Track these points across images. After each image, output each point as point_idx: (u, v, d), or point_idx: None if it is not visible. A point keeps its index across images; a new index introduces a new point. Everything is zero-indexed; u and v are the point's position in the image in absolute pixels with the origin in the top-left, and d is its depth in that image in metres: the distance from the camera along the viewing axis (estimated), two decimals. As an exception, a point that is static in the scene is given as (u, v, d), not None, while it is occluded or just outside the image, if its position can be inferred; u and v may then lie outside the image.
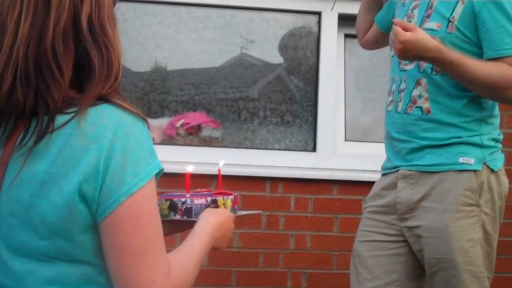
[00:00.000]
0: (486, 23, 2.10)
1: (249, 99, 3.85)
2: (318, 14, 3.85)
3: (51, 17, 1.24)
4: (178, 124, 3.71)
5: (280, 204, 3.54)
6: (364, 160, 3.59)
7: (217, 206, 1.64)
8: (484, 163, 2.16)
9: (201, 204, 1.60)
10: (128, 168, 1.21)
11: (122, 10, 3.72)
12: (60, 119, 1.23)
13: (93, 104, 1.25)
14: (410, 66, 2.25)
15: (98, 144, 1.20)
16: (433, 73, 2.19)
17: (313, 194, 3.60)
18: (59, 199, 1.21)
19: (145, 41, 3.83)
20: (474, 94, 2.17)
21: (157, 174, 1.27)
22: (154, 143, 1.31)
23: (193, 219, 1.56)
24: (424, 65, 2.19)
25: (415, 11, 2.27)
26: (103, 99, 1.27)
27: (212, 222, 1.52)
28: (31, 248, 1.26)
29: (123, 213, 1.21)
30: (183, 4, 3.81)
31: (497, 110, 2.28)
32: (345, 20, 3.73)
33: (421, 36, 2.07)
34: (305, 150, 3.80)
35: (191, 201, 1.60)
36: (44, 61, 1.23)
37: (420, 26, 2.20)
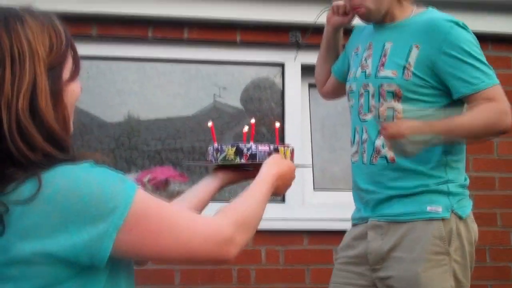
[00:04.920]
0: (449, 66, 2.14)
1: (216, 152, 3.84)
2: (282, 65, 3.90)
3: None
4: (145, 179, 3.67)
5: (250, 257, 3.49)
6: (334, 209, 3.59)
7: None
8: (452, 211, 2.16)
9: (264, 151, 1.75)
10: (105, 208, 1.20)
11: (85, 68, 3.71)
12: (11, 187, 1.20)
13: (50, 167, 1.22)
14: (370, 116, 2.26)
15: (61, 206, 1.18)
16: (395, 121, 2.20)
17: (283, 246, 3.57)
18: (18, 257, 1.18)
19: (110, 97, 3.82)
20: None
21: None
22: None
23: (258, 162, 1.70)
24: (385, 113, 2.21)
25: (369, 61, 2.30)
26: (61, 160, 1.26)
27: (273, 172, 1.64)
28: None
29: (132, 236, 1.23)
30: (147, 59, 3.83)
31: (462, 155, 2.29)
32: (308, 70, 3.77)
33: (406, 123, 2.12)
34: (274, 200, 3.78)
35: (256, 147, 1.75)
36: None
37: (375, 75, 2.23)
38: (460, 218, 2.18)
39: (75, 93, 1.36)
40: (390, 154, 2.19)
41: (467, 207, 2.22)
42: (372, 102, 2.24)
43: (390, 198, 2.20)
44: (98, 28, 3.67)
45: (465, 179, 2.26)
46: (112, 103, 3.83)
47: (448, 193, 2.18)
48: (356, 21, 2.50)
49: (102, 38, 3.69)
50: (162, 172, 3.70)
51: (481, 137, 2.18)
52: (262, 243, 3.53)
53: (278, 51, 3.85)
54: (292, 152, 1.82)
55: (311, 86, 3.91)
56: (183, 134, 3.86)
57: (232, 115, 4.01)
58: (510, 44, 4.00)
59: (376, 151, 2.22)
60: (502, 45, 3.97)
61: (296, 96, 3.85)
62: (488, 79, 2.15)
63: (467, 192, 2.25)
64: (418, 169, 2.18)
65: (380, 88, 2.21)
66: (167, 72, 3.90)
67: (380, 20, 2.30)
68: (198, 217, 1.37)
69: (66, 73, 1.33)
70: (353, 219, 2.40)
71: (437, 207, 2.15)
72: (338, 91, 2.67)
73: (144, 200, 1.26)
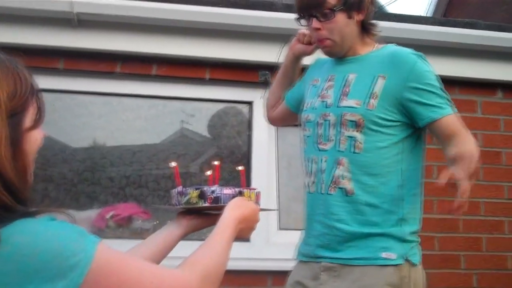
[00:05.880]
0: (415, 95, 2.15)
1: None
2: (250, 103, 3.90)
3: None
4: (108, 216, 3.61)
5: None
6: (299, 248, 3.55)
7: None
8: (406, 258, 2.15)
9: (229, 194, 1.70)
10: (64, 266, 1.15)
11: (51, 101, 3.67)
12: None
13: (7, 222, 1.17)
14: (330, 146, 2.24)
15: (20, 264, 1.13)
16: (355, 151, 2.18)
17: (247, 286, 3.52)
18: None
19: (75, 131, 3.77)
20: (396, 173, 2.19)
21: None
22: None
23: (221, 204, 1.66)
24: (346, 143, 2.20)
25: (330, 91, 2.29)
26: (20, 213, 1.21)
27: (235, 215, 1.60)
28: None
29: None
30: (114, 94, 3.80)
31: (417, 189, 2.26)
32: (276, 109, 3.78)
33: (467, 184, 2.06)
34: (238, 239, 3.73)
35: (220, 190, 1.70)
36: None
37: (337, 105, 2.22)
38: (413, 265, 2.16)
39: (37, 141, 1.31)
40: (348, 186, 2.18)
41: (418, 254, 2.21)
42: (332, 131, 2.23)
43: (344, 240, 2.17)
44: (65, 62, 3.64)
45: (418, 224, 2.24)
46: (77, 137, 3.78)
47: (403, 240, 2.16)
48: (317, 55, 2.52)
49: (68, 72, 3.66)
50: (125, 209, 3.68)
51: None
52: (225, 283, 3.45)
53: (247, 89, 3.86)
54: (257, 195, 1.78)
55: (279, 124, 3.92)
56: (148, 170, 3.82)
57: (198, 151, 3.99)
58: (476, 88, 4.08)
59: (335, 182, 2.20)
60: (468, 89, 4.05)
61: (264, 134, 3.85)
62: (452, 107, 2.19)
63: (418, 239, 2.25)
64: (375, 202, 2.16)
65: (342, 118, 2.20)
66: (134, 107, 3.88)
67: (343, 55, 2.32)
68: (162, 271, 1.29)
69: (28, 121, 1.27)
70: (301, 254, 2.35)
71: (391, 253, 2.13)
72: (286, 119, 2.68)
73: (105, 256, 1.21)
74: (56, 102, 3.71)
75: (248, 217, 1.65)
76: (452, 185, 1.98)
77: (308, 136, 2.33)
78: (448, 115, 2.16)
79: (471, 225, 3.94)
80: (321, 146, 2.26)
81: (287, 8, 3.73)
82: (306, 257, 2.31)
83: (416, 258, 2.19)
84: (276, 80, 2.70)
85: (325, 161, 2.23)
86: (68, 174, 3.71)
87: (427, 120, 2.17)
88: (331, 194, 2.20)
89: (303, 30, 2.50)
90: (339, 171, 2.19)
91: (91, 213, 3.63)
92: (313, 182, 2.28)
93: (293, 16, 3.47)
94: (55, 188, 3.68)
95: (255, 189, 1.79)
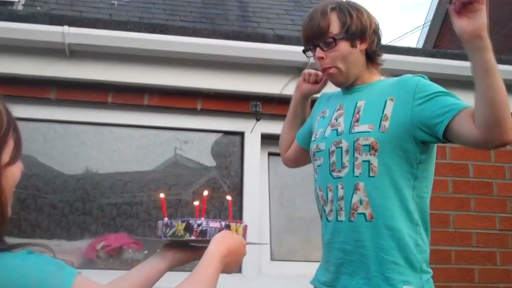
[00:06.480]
0: (427, 106, 2.10)
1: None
2: (242, 134, 3.90)
3: None
4: (99, 246, 3.58)
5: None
6: (291, 280, 3.53)
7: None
8: None
9: (215, 227, 1.67)
10: None
11: (42, 131, 3.67)
12: None
13: None
14: (344, 172, 2.22)
15: None
16: (371, 174, 2.16)
17: (239, 319, 3.49)
18: None
19: (66, 161, 3.75)
20: (410, 196, 2.17)
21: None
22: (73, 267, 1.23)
23: (208, 238, 1.62)
24: (361, 168, 2.20)
25: (340, 120, 2.28)
26: None
27: (221, 249, 1.56)
28: None
29: None
30: (106, 124, 3.80)
31: (427, 214, 2.22)
32: (268, 139, 3.78)
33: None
34: (224, 273, 3.70)
35: (207, 223, 1.67)
36: None
37: (349, 131, 2.22)
38: None
39: (15, 176, 1.29)
40: (368, 211, 2.16)
41: (432, 287, 2.20)
42: (346, 158, 2.22)
43: (366, 266, 2.13)
44: (57, 92, 3.64)
45: (429, 250, 2.24)
46: (69, 166, 3.76)
47: (420, 270, 2.15)
48: (324, 91, 2.53)
49: (60, 102, 3.66)
50: (116, 239, 3.65)
51: (500, 110, 1.93)
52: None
53: (238, 119, 3.87)
54: (244, 228, 1.76)
55: (270, 154, 3.92)
56: (139, 200, 3.80)
57: (189, 181, 3.98)
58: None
59: (354, 208, 2.19)
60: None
61: (256, 164, 3.85)
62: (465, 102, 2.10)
63: (431, 271, 2.23)
64: (394, 226, 2.13)
65: (356, 143, 2.19)
66: (126, 137, 3.87)
67: (350, 84, 2.33)
68: None
69: (6, 156, 1.26)
70: (319, 281, 2.32)
71: (411, 287, 2.12)
72: (300, 158, 2.66)
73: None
74: (48, 132, 3.71)
75: (234, 250, 1.62)
76: None
77: (319, 166, 2.33)
78: (470, 106, 2.04)
79: (463, 256, 3.93)
80: (335, 174, 2.25)
81: (278, 40, 3.76)
82: (324, 285, 2.30)
83: None
84: (287, 122, 2.71)
85: (342, 188, 2.21)
86: (59, 204, 3.68)
87: (449, 118, 2.06)
88: (352, 221, 2.18)
89: (309, 70, 2.53)
90: (356, 196, 2.17)
91: (82, 244, 3.60)
92: (331, 210, 2.27)
93: (284, 47, 3.50)
94: (46, 218, 3.66)
95: (242, 222, 1.76)
